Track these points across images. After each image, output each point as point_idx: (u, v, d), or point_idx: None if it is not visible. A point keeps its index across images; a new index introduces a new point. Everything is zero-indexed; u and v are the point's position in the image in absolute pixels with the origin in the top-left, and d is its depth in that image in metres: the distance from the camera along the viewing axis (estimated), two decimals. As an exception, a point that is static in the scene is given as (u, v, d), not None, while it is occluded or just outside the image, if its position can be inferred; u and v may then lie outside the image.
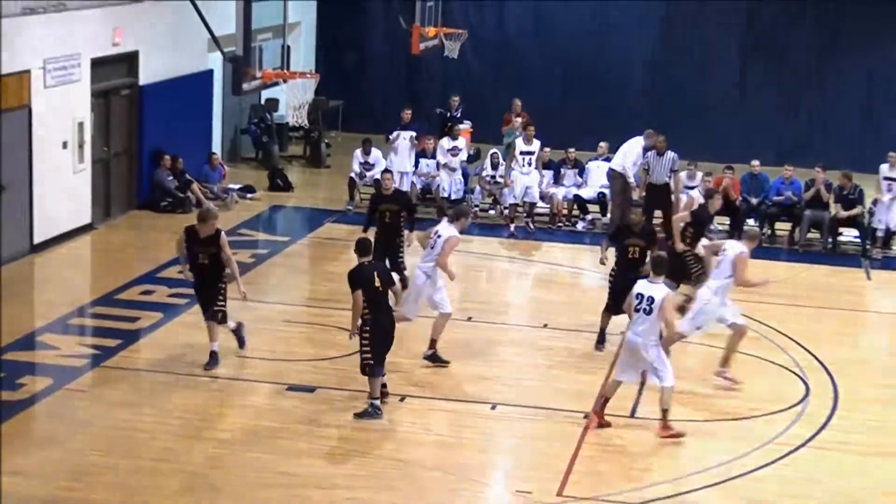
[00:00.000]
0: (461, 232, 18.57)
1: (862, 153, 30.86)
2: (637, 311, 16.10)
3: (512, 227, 26.75)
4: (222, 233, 17.93)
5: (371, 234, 19.83)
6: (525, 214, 27.09)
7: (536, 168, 27.04)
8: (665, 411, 16.24)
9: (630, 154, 26.38)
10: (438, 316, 18.52)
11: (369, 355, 16.35)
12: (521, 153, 26.98)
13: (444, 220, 18.75)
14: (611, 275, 19.49)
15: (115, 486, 14.33)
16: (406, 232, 20.80)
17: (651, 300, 15.98)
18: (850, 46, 33.58)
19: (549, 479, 14.91)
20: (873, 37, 33.47)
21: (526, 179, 26.94)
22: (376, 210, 20.99)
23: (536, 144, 27.12)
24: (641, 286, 16.24)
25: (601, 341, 19.53)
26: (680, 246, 20.52)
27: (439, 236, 18.23)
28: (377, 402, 16.51)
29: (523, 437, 16.57)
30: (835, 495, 15.10)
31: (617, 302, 18.83)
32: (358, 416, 16.42)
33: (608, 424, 16.46)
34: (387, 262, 19.60)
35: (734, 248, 18.10)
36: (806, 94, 33.93)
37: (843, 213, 25.92)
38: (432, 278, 18.28)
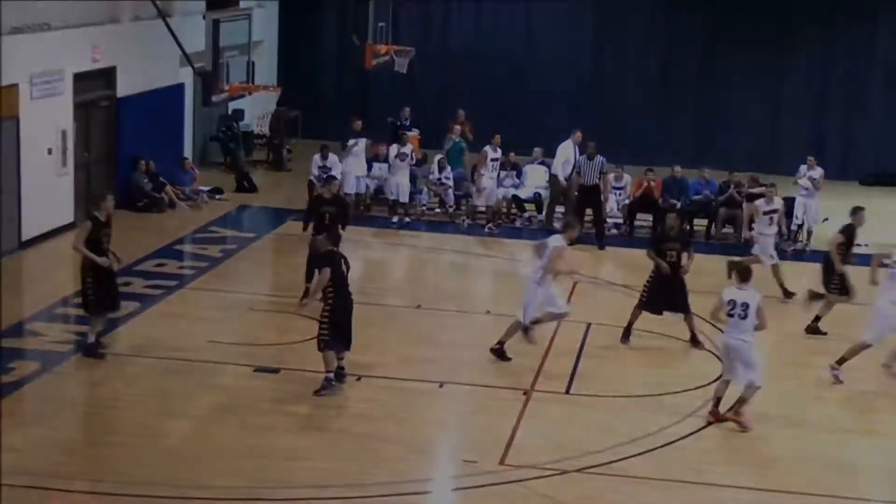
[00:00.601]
0: (570, 242, 18.37)
1: (774, 156, 31.21)
2: (731, 316, 15.65)
3: (465, 222, 26.90)
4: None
5: (310, 229, 19.90)
6: (494, 216, 26.98)
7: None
8: (743, 401, 15.91)
9: (561, 155, 26.42)
10: (550, 315, 18.10)
11: (326, 332, 16.29)
12: (492, 160, 26.82)
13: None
14: (650, 278, 19.17)
15: (98, 460, 14.22)
16: (342, 232, 20.43)
17: (745, 306, 15.58)
18: (760, 54, 33.60)
19: (492, 450, 14.88)
20: (784, 44, 33.65)
21: (491, 184, 26.85)
22: (317, 211, 20.84)
23: (499, 152, 27.08)
24: (732, 293, 15.72)
25: (627, 335, 19.15)
26: (840, 267, 19.70)
27: (547, 246, 17.84)
28: (331, 376, 16.43)
29: (468, 412, 16.56)
30: (749, 460, 15.22)
31: (652, 301, 18.89)
32: (316, 392, 16.33)
33: (725, 419, 16.07)
34: None
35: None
36: (721, 102, 33.95)
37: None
38: (542, 284, 17.85)
